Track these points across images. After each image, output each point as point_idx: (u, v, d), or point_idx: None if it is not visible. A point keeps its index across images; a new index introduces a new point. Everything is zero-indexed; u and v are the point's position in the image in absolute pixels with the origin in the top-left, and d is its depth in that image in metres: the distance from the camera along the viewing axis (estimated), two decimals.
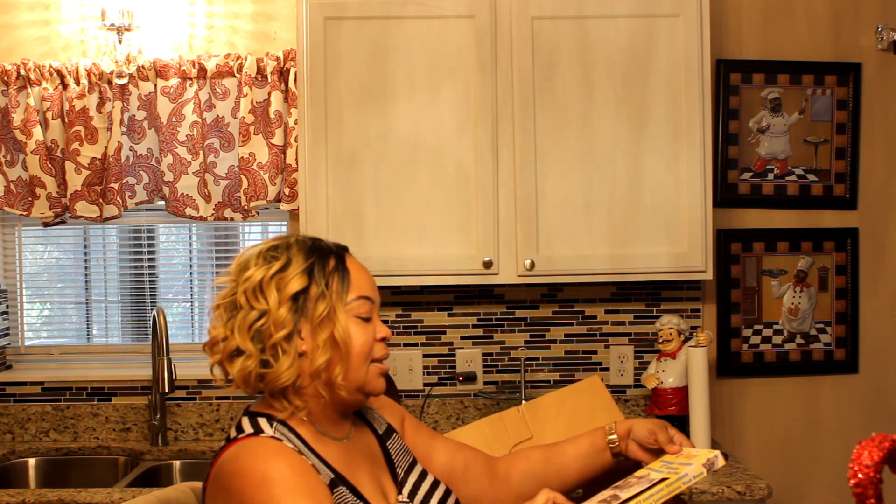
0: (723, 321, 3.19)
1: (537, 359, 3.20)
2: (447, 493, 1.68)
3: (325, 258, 1.58)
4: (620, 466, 1.79)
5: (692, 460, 1.61)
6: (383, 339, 1.60)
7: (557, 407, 2.56)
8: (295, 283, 1.54)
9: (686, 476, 1.56)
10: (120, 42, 3.02)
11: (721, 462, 1.61)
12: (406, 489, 1.64)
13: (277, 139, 3.07)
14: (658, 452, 1.74)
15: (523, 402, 2.90)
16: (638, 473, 1.65)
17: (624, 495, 1.52)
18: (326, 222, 2.85)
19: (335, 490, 1.51)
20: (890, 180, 3.24)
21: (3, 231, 3.33)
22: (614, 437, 1.77)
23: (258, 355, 1.53)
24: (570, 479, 1.80)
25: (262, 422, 1.55)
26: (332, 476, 1.53)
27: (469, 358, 3.19)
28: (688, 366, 2.90)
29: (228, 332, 1.55)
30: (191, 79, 3.09)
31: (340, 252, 1.62)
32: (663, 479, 1.55)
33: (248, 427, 1.55)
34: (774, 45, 3.20)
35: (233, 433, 1.56)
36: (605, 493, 1.56)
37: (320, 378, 1.55)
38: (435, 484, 1.68)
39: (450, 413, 3.20)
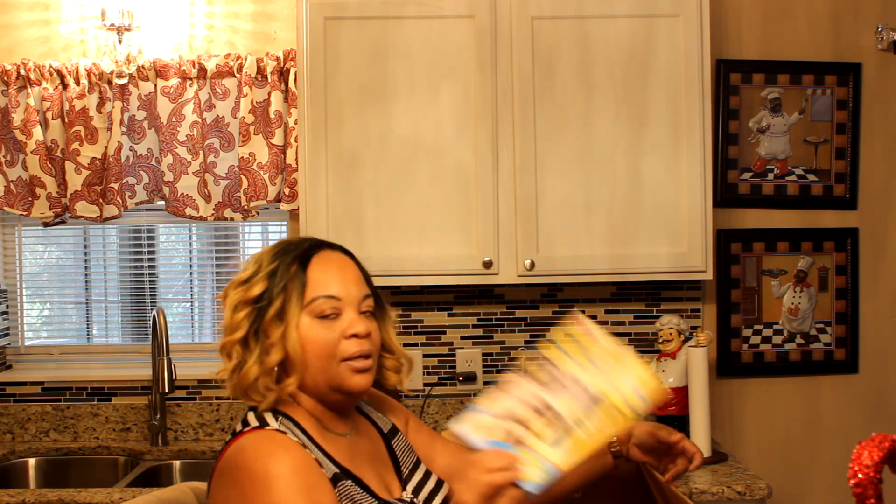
0: (723, 321, 3.19)
1: (537, 359, 3.20)
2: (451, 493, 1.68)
3: (291, 261, 1.59)
4: (621, 470, 1.80)
5: (625, 371, 1.46)
6: (355, 336, 1.57)
7: None
8: (255, 289, 1.57)
9: (626, 402, 1.42)
10: (120, 42, 3.02)
11: (652, 392, 1.48)
12: (410, 486, 1.64)
13: (277, 139, 3.07)
14: (659, 453, 1.75)
15: None
16: (565, 368, 1.50)
17: (558, 407, 1.40)
18: (326, 222, 2.85)
19: (341, 483, 1.52)
20: (890, 180, 3.24)
21: (3, 231, 3.33)
22: (614, 439, 1.77)
23: (229, 361, 1.58)
24: (570, 483, 1.80)
25: (268, 416, 1.56)
26: (336, 470, 1.53)
27: (469, 358, 3.20)
28: (688, 366, 2.90)
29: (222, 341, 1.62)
30: (191, 79, 3.09)
31: (308, 252, 1.62)
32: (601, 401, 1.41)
33: (253, 420, 1.56)
34: (774, 45, 3.20)
35: (238, 427, 1.57)
36: (532, 394, 1.44)
37: (271, 376, 1.56)
38: (439, 483, 1.68)
39: (450, 413, 3.20)
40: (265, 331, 1.56)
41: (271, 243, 1.71)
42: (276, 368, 1.56)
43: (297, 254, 1.60)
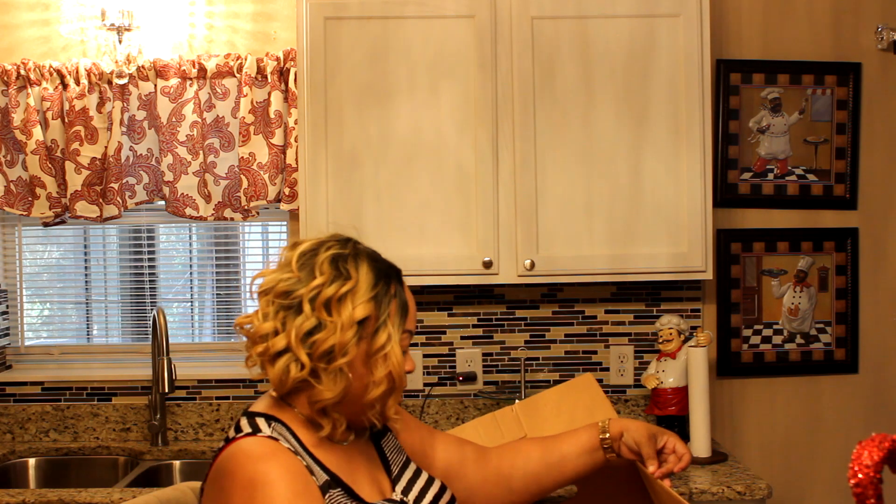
0: (723, 321, 3.19)
1: (537, 359, 3.20)
2: (442, 490, 1.69)
3: (388, 285, 1.59)
4: (615, 464, 1.81)
5: None
6: (409, 372, 1.60)
7: (552, 406, 2.55)
8: (361, 310, 1.54)
9: None
10: (120, 42, 3.02)
11: None
12: (400, 486, 1.65)
13: (277, 139, 3.07)
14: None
15: (516, 401, 2.90)
16: None
17: None
18: (326, 222, 2.85)
19: (330, 492, 1.51)
20: (890, 180, 3.24)
21: (3, 231, 3.33)
22: (606, 436, 1.79)
23: (310, 365, 1.52)
24: (566, 477, 1.83)
25: (261, 422, 1.55)
26: (327, 478, 1.53)
27: (469, 358, 3.19)
28: (688, 366, 2.90)
29: (279, 327, 1.54)
30: (191, 79, 3.09)
31: (400, 278, 1.63)
32: None
33: (246, 427, 1.55)
34: (774, 45, 3.20)
35: (231, 433, 1.56)
36: None
37: (374, 408, 1.56)
38: (430, 481, 1.69)
39: (450, 413, 3.20)
40: (359, 355, 1.54)
41: (315, 239, 1.65)
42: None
43: (392, 278, 1.61)
